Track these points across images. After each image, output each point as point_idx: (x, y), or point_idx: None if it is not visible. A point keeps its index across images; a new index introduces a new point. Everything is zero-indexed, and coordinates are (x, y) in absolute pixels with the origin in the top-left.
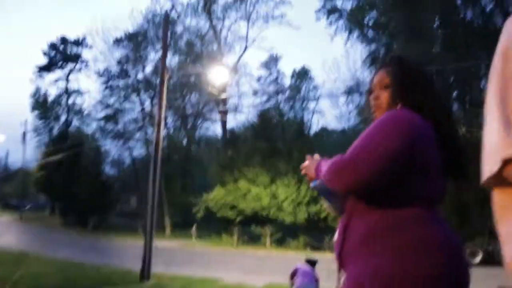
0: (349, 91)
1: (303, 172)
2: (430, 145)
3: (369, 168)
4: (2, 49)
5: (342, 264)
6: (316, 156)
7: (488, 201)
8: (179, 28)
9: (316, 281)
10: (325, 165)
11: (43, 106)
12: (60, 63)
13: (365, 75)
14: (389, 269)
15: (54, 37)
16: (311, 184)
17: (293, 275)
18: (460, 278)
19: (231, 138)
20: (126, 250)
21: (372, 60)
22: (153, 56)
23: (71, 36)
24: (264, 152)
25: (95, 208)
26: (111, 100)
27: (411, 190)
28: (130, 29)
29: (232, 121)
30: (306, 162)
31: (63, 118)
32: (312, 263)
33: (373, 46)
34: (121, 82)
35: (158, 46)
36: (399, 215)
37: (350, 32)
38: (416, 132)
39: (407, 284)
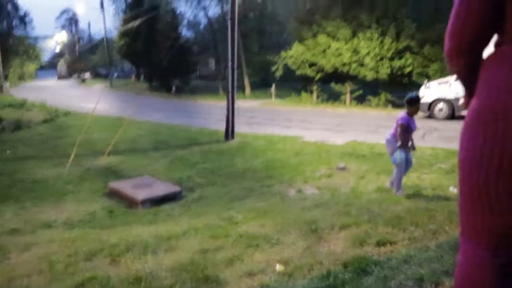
0: None
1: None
2: None
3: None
4: None
5: None
6: None
7: None
8: None
9: (408, 124)
10: None
11: None
12: None
13: None
14: None
15: None
16: None
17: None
18: None
19: None
20: (209, 111)
21: None
22: None
23: None
24: (345, 3)
25: (176, 72)
26: None
27: None
28: None
29: None
30: None
31: None
32: (412, 101)
33: None
34: None
35: None
36: None
37: None
38: None
39: None
